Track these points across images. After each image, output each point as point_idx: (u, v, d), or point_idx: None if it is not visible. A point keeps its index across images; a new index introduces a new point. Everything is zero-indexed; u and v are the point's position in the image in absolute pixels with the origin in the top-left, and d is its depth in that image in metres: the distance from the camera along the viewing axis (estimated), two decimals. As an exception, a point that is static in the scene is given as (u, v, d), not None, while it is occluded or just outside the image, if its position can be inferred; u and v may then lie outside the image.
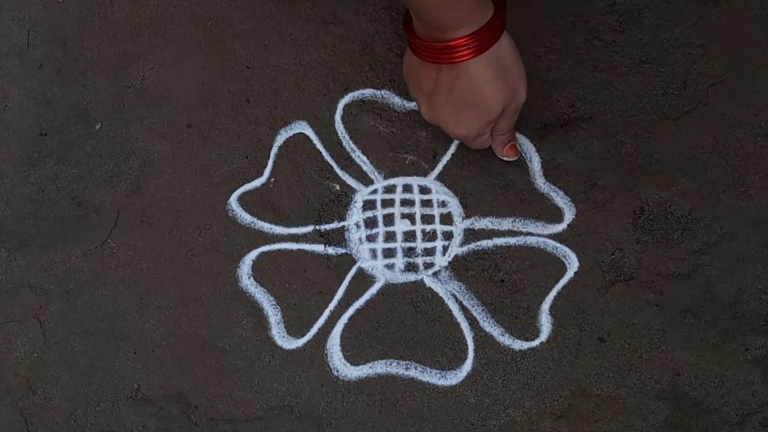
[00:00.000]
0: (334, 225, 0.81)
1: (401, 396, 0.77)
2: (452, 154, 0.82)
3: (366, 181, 0.82)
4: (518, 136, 0.81)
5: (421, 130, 0.83)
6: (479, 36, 0.56)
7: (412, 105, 0.83)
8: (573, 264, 0.78)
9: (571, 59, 0.83)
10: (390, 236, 0.80)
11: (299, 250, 0.81)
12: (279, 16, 0.87)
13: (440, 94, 0.62)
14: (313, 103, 0.84)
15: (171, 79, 0.87)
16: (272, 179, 0.83)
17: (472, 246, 0.80)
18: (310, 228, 0.82)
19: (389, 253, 0.80)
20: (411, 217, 0.80)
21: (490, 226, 0.80)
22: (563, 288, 0.78)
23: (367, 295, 0.79)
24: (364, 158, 0.82)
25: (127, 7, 0.89)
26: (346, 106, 0.83)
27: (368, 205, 0.81)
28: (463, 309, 0.78)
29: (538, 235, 0.79)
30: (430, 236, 0.80)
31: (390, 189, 0.81)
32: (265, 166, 0.83)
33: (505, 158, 0.78)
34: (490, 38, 0.57)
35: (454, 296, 0.78)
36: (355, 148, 0.83)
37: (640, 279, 0.77)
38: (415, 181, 0.81)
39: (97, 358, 0.80)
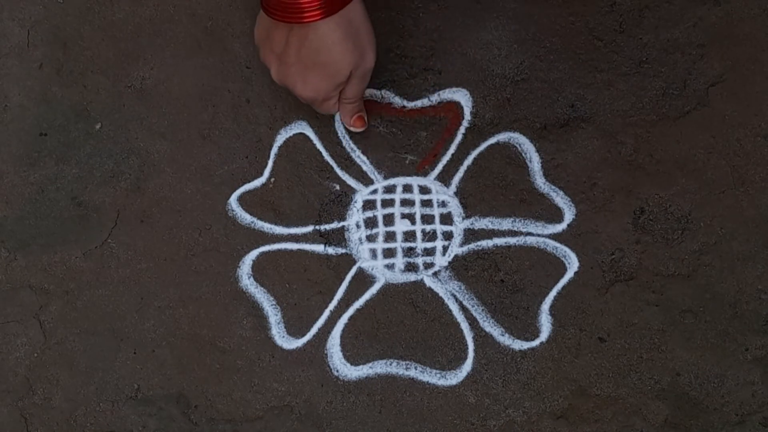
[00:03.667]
0: (334, 225, 0.81)
1: (401, 396, 0.77)
2: (452, 154, 0.82)
3: (366, 181, 0.82)
4: (518, 135, 0.81)
5: (421, 130, 0.83)
6: None
7: (412, 105, 0.83)
8: (573, 264, 0.78)
9: (571, 59, 0.83)
10: (390, 236, 0.80)
11: (299, 250, 0.81)
12: (279, 16, 0.86)
13: (290, 55, 0.62)
14: (313, 103, 0.84)
15: (171, 79, 0.87)
16: (272, 179, 0.83)
17: (472, 246, 0.79)
18: (310, 228, 0.82)
19: (389, 253, 0.80)
20: (411, 217, 0.80)
21: (490, 226, 0.80)
22: (563, 288, 0.78)
23: (367, 295, 0.79)
24: (364, 158, 0.82)
25: (127, 7, 0.89)
26: (346, 106, 0.83)
27: (368, 205, 0.81)
28: (463, 309, 0.78)
29: (538, 235, 0.79)
30: (430, 236, 0.80)
31: (390, 189, 0.81)
32: (265, 166, 0.83)
33: (352, 128, 0.78)
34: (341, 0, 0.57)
35: (454, 296, 0.78)
36: (355, 148, 0.83)
37: (640, 279, 0.77)
38: (415, 181, 0.81)
39: (97, 358, 0.80)
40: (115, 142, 0.86)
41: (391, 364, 0.77)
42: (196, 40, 0.88)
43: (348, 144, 0.83)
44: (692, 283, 0.77)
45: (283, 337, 0.79)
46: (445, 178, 0.81)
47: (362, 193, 0.82)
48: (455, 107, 0.82)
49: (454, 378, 0.77)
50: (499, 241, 0.79)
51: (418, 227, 0.80)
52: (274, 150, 0.84)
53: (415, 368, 0.77)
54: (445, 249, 0.79)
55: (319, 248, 0.81)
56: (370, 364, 0.78)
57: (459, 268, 0.79)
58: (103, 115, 0.87)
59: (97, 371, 0.80)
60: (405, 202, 0.81)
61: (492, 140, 0.81)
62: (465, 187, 0.81)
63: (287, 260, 0.81)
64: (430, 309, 0.79)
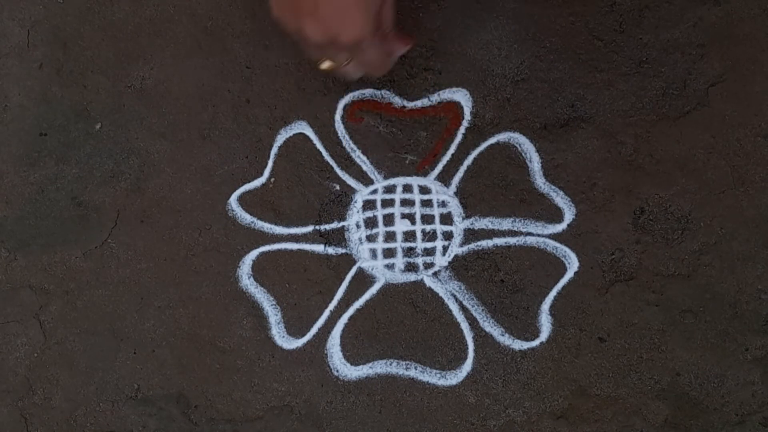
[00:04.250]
0: (334, 225, 0.81)
1: (401, 396, 0.77)
2: (452, 154, 0.82)
3: (366, 181, 0.82)
4: (518, 135, 0.81)
5: (421, 130, 0.83)
6: None
7: (412, 105, 0.83)
8: (573, 264, 0.78)
9: (571, 59, 0.83)
10: (390, 236, 0.80)
11: (299, 250, 0.81)
12: (279, 16, 0.87)
13: (325, 5, 0.62)
14: (313, 103, 0.84)
15: (171, 79, 0.87)
16: (272, 179, 0.83)
17: (472, 246, 0.79)
18: (310, 228, 0.82)
19: (389, 253, 0.80)
20: (411, 217, 0.80)
21: (490, 226, 0.80)
22: (563, 288, 0.78)
23: (367, 295, 0.79)
24: (364, 158, 0.82)
25: (127, 7, 0.89)
26: (346, 106, 0.83)
27: (368, 205, 0.81)
28: (463, 309, 0.78)
29: (538, 235, 0.79)
30: (430, 236, 0.80)
31: (390, 189, 0.81)
32: (265, 166, 0.83)
33: (404, 50, 0.75)
34: None
35: (454, 296, 0.78)
36: (355, 148, 0.83)
37: (640, 279, 0.77)
38: (415, 181, 0.81)
39: (97, 358, 0.80)
40: (115, 142, 0.86)
41: (391, 364, 0.77)
42: (196, 40, 0.88)
43: (348, 144, 0.83)
44: (692, 283, 0.77)
45: (283, 337, 0.79)
46: (445, 178, 0.81)
47: (362, 193, 0.82)
48: (455, 107, 0.82)
49: (454, 378, 0.77)
50: (499, 241, 0.79)
51: (418, 227, 0.80)
52: (274, 150, 0.84)
53: (415, 368, 0.77)
54: (445, 249, 0.79)
55: (319, 248, 0.81)
56: (370, 364, 0.78)
57: (459, 268, 0.79)
58: (103, 115, 0.87)
59: (97, 371, 0.80)
60: (405, 202, 0.81)
61: (492, 140, 0.81)
62: (465, 187, 0.81)
63: (287, 260, 0.81)
64: (430, 309, 0.78)
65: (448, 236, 0.79)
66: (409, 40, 0.75)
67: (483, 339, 0.77)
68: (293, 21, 0.68)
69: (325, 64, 0.71)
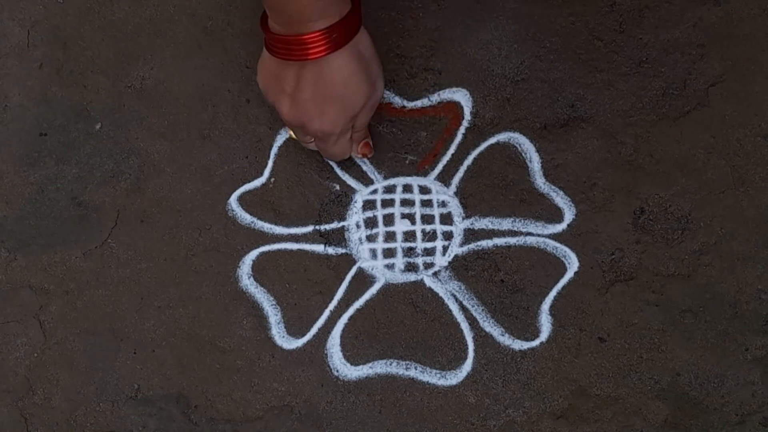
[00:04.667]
0: (334, 225, 0.81)
1: (401, 396, 0.77)
2: (452, 154, 0.82)
3: (366, 181, 0.82)
4: (518, 135, 0.81)
5: (421, 130, 0.83)
6: (337, 30, 0.57)
7: (412, 105, 0.83)
8: (573, 264, 0.78)
9: (571, 59, 0.83)
10: (390, 236, 0.80)
11: (299, 250, 0.81)
12: (279, 16, 0.86)
13: (304, 90, 0.62)
14: (313, 103, 0.84)
15: (171, 79, 0.87)
16: (272, 179, 0.83)
17: (472, 246, 0.79)
18: (310, 228, 0.82)
19: (389, 253, 0.80)
20: (411, 217, 0.80)
21: (490, 226, 0.80)
22: (563, 288, 0.78)
23: (367, 295, 0.79)
24: (364, 158, 0.82)
25: (127, 7, 0.89)
26: (346, 106, 0.82)
27: (368, 205, 0.81)
28: (463, 309, 0.78)
29: (538, 235, 0.79)
30: (430, 236, 0.80)
31: (390, 189, 0.81)
32: (265, 166, 0.83)
33: (359, 157, 0.80)
34: (347, 32, 0.58)
35: (454, 296, 0.78)
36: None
37: (640, 279, 0.77)
38: (415, 181, 0.81)
39: (97, 358, 0.80)
40: (115, 142, 0.86)
41: (391, 364, 0.77)
42: (196, 40, 0.88)
43: (348, 144, 0.83)
44: (692, 283, 0.77)
45: (283, 337, 0.79)
46: (445, 178, 0.81)
47: (362, 193, 0.82)
48: (455, 107, 0.82)
49: (454, 378, 0.77)
50: (499, 241, 0.79)
51: (418, 227, 0.80)
52: (274, 150, 0.84)
53: (415, 368, 0.77)
54: (445, 249, 0.79)
55: (319, 248, 0.81)
56: (370, 364, 0.78)
57: (459, 268, 0.79)
58: (103, 115, 0.87)
59: (97, 371, 0.80)
60: (405, 202, 0.81)
61: (492, 140, 0.82)
62: (465, 187, 0.81)
63: (287, 260, 0.81)
64: (430, 309, 0.79)
65: (448, 236, 0.79)
66: (370, 151, 0.78)
67: (483, 339, 0.77)
68: (272, 94, 0.70)
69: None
